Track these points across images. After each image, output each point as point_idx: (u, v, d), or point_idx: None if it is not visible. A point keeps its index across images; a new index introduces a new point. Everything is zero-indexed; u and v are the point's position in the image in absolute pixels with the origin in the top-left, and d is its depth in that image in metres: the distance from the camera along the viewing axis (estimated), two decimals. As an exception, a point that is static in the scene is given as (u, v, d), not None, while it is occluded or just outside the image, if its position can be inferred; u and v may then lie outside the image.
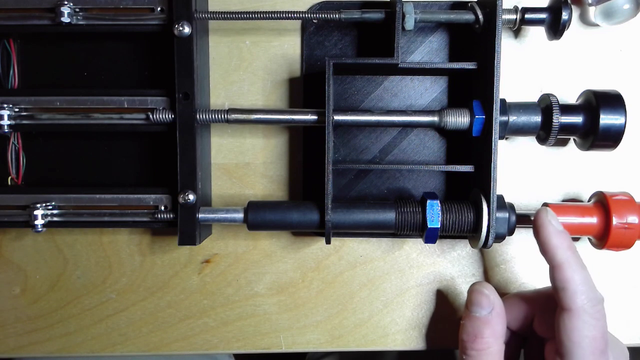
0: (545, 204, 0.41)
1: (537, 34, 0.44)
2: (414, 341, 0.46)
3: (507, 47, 0.43)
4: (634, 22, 0.43)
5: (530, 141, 0.44)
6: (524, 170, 0.45)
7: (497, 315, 0.40)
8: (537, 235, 0.38)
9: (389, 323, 0.46)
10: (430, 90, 0.44)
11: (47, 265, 0.46)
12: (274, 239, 0.46)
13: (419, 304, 0.46)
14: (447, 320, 0.46)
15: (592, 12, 0.43)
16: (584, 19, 0.44)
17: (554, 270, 0.37)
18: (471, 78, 0.43)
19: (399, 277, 0.46)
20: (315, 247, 0.46)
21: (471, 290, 0.41)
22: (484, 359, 0.39)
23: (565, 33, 0.39)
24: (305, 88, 0.44)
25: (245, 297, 0.46)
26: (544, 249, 0.38)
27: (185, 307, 0.46)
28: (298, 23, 0.44)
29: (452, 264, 0.46)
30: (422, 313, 0.46)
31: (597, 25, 0.43)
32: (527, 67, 0.44)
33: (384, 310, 0.46)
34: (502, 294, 0.45)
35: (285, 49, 0.44)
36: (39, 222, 0.40)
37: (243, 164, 0.45)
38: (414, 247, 0.46)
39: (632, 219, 0.39)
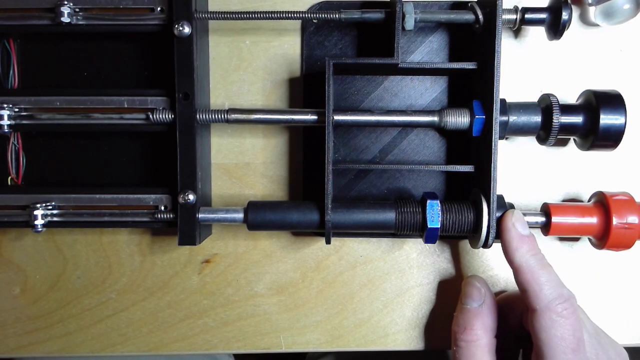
0: (545, 204, 0.41)
1: (537, 34, 0.44)
2: (414, 341, 0.46)
3: (507, 47, 0.43)
4: (634, 22, 0.43)
5: (530, 141, 0.44)
6: (524, 170, 0.45)
7: (488, 308, 0.40)
8: (500, 238, 0.39)
9: (389, 323, 0.46)
10: (431, 90, 0.44)
11: (47, 265, 0.46)
12: (274, 239, 0.46)
13: (419, 304, 0.46)
14: (448, 320, 0.46)
15: (592, 12, 0.43)
16: (584, 19, 0.44)
17: (514, 273, 0.38)
18: (471, 78, 0.42)
19: (399, 277, 0.46)
20: (315, 247, 0.46)
21: (464, 283, 0.42)
22: (472, 351, 0.39)
23: (565, 33, 0.39)
24: (305, 88, 0.44)
25: (245, 297, 0.46)
26: (504, 252, 0.39)
27: (185, 307, 0.46)
28: (298, 23, 0.44)
29: (452, 264, 0.46)
30: (422, 313, 0.46)
31: (597, 25, 0.43)
32: (527, 67, 0.44)
33: (384, 310, 0.46)
34: (501, 293, 0.45)
35: (285, 49, 0.44)
36: (39, 222, 0.40)
37: (243, 164, 0.45)
38: (414, 247, 0.46)
39: (632, 219, 0.39)
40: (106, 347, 0.46)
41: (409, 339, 0.46)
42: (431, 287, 0.46)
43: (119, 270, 0.46)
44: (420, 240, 0.45)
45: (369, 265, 0.46)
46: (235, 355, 0.68)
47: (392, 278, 0.46)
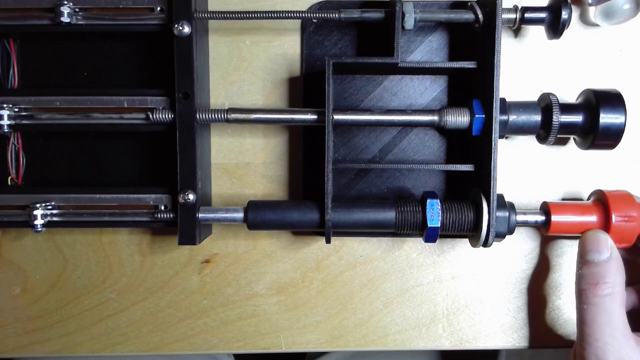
0: (544, 203, 0.41)
1: (537, 33, 0.44)
2: (414, 341, 0.46)
3: (507, 47, 0.43)
4: (634, 22, 0.43)
5: (530, 140, 0.44)
6: (524, 170, 0.45)
7: (617, 259, 0.39)
8: None
9: (389, 323, 0.46)
10: (430, 90, 0.44)
11: (47, 265, 0.46)
12: (274, 238, 0.46)
13: (419, 304, 0.46)
14: (448, 320, 0.46)
15: (592, 12, 0.43)
16: (584, 19, 0.44)
17: None
18: (471, 77, 0.42)
19: (399, 277, 0.46)
20: (315, 247, 0.46)
21: (585, 237, 0.40)
22: (608, 305, 0.38)
23: (566, 33, 0.39)
24: (305, 87, 0.44)
25: (245, 297, 0.46)
26: None
27: (185, 307, 0.46)
28: (298, 23, 0.44)
29: (452, 264, 0.46)
30: (422, 313, 0.46)
31: (597, 25, 0.43)
32: (526, 67, 0.44)
33: (384, 310, 0.46)
34: (500, 292, 0.45)
35: (285, 48, 0.44)
36: (39, 222, 0.40)
37: (243, 164, 0.45)
38: (414, 247, 0.46)
39: (631, 212, 0.39)
40: (106, 347, 0.46)
41: (409, 339, 0.46)
42: (431, 287, 0.46)
43: (119, 270, 0.46)
44: (420, 240, 0.45)
45: (369, 265, 0.46)
46: (235, 355, 0.68)
47: (392, 278, 0.46)
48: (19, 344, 0.47)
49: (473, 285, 0.46)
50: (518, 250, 0.45)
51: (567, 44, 0.44)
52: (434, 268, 0.46)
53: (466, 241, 0.45)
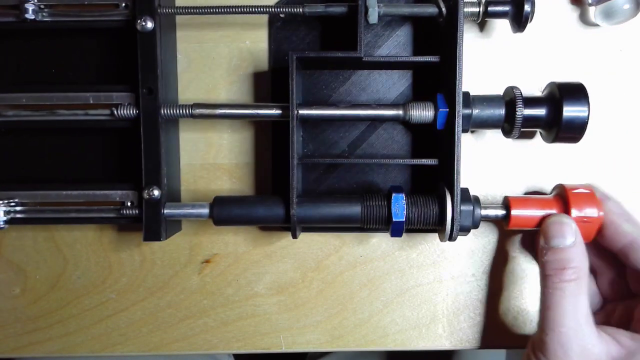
0: (506, 197, 0.41)
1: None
2: (414, 341, 0.46)
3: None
4: (634, 22, 0.43)
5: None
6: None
7: (582, 244, 0.38)
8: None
9: (389, 323, 0.46)
10: (398, 85, 0.43)
11: (47, 265, 0.46)
12: (274, 238, 0.45)
13: (419, 304, 0.46)
14: (448, 320, 0.46)
15: (592, 12, 0.43)
16: (584, 19, 0.43)
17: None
18: (438, 72, 0.42)
19: (399, 277, 0.45)
20: (315, 247, 0.45)
21: (549, 222, 0.39)
22: (573, 291, 0.37)
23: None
24: (273, 83, 0.44)
25: (245, 297, 0.46)
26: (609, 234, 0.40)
27: (185, 307, 0.46)
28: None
29: (452, 264, 0.45)
30: (422, 313, 0.46)
31: (597, 25, 0.43)
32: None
33: (384, 310, 0.46)
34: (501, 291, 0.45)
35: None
36: (1, 218, 0.40)
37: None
38: (413, 247, 0.45)
39: (590, 212, 0.39)
40: (106, 347, 0.46)
41: (409, 339, 0.46)
42: (431, 287, 0.45)
43: (119, 270, 0.46)
44: (420, 240, 0.45)
45: (369, 265, 0.45)
46: (235, 355, 0.67)
47: (392, 278, 0.45)
48: (19, 344, 0.46)
49: (473, 285, 0.45)
50: (518, 251, 0.45)
51: (566, 43, 0.43)
52: (434, 268, 0.45)
53: (466, 240, 0.45)
